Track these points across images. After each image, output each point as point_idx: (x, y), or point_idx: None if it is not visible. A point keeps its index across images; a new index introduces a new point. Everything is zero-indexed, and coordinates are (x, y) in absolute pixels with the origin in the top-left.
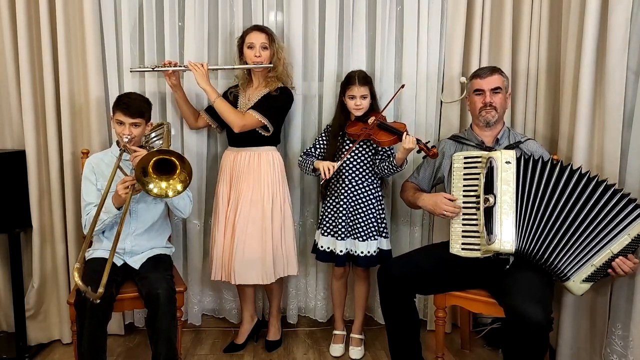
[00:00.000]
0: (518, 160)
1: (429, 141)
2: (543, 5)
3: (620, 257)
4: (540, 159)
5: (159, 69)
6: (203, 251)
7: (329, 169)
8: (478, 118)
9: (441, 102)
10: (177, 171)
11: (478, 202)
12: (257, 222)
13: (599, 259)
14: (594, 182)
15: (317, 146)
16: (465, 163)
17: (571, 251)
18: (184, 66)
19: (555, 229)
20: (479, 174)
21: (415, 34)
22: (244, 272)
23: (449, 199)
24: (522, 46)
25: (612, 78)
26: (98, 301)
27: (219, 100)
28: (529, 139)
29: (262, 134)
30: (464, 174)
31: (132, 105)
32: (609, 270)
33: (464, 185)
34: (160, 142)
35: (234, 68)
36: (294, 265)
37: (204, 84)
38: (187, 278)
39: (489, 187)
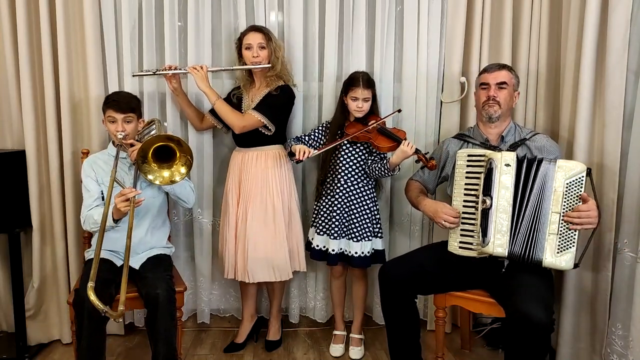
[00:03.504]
0: (519, 162)
1: (427, 152)
2: (543, 5)
3: (566, 216)
4: (542, 161)
5: (160, 73)
6: (212, 250)
7: (304, 152)
8: (481, 112)
9: (441, 102)
10: (177, 155)
11: (477, 202)
12: (267, 220)
13: (553, 225)
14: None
15: (312, 137)
16: (468, 161)
17: (535, 234)
18: (184, 69)
19: (533, 225)
20: (480, 172)
21: (415, 34)
22: (258, 270)
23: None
24: (522, 46)
25: (612, 78)
26: (120, 320)
27: (219, 102)
28: (536, 133)
29: (265, 133)
30: (467, 172)
31: (122, 101)
32: (573, 227)
33: (466, 184)
34: None
35: (233, 69)
36: (302, 261)
37: (204, 87)
38: (197, 277)
39: (487, 189)
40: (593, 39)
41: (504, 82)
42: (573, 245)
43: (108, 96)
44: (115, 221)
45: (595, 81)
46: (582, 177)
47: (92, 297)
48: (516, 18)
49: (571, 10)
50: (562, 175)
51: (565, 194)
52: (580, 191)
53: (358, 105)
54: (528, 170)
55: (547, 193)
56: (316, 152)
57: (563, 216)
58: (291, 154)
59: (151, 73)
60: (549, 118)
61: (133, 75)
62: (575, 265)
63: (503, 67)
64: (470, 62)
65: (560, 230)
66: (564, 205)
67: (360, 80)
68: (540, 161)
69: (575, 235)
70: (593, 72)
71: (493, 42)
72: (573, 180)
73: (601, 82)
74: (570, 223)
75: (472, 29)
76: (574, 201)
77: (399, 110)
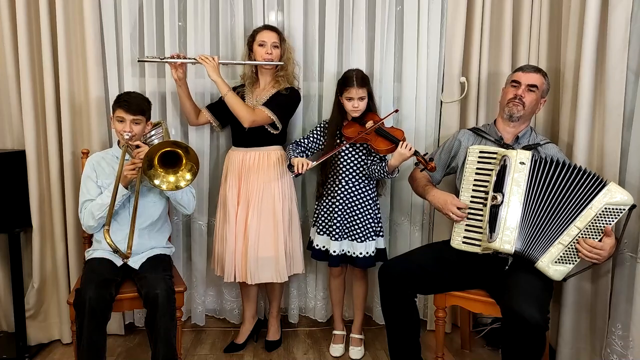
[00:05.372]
0: (533, 162)
1: (426, 153)
2: (543, 5)
3: (580, 242)
4: (555, 162)
5: (167, 60)
6: (207, 251)
7: (302, 165)
8: (504, 109)
9: (441, 102)
10: (183, 162)
11: (486, 199)
12: (269, 221)
13: (566, 236)
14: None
15: (312, 138)
16: (479, 157)
17: (545, 235)
18: (194, 59)
19: (546, 226)
20: (491, 170)
21: (415, 34)
22: (259, 272)
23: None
24: (522, 46)
25: (612, 78)
26: (127, 260)
27: (230, 93)
28: (549, 142)
29: (271, 132)
30: (477, 168)
31: (133, 103)
32: (580, 254)
33: (475, 180)
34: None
35: (244, 63)
36: (299, 264)
37: (216, 77)
38: (191, 278)
39: (499, 186)
40: (593, 39)
41: (535, 85)
42: (572, 263)
43: (120, 95)
44: (125, 188)
45: (595, 81)
46: (623, 209)
47: (108, 239)
48: (516, 18)
49: (571, 10)
50: (606, 199)
51: (597, 217)
52: (614, 221)
53: (354, 105)
54: (549, 171)
55: (579, 204)
56: (315, 163)
57: (579, 238)
58: (290, 166)
59: (158, 59)
60: (548, 118)
61: (139, 61)
62: (564, 279)
63: (538, 70)
64: (470, 62)
65: (570, 245)
66: (589, 226)
67: (354, 79)
68: (563, 164)
69: (578, 255)
70: (593, 72)
71: (493, 42)
72: (612, 209)
73: (601, 82)
74: (579, 249)
75: (472, 29)
76: (600, 227)
77: (396, 111)
